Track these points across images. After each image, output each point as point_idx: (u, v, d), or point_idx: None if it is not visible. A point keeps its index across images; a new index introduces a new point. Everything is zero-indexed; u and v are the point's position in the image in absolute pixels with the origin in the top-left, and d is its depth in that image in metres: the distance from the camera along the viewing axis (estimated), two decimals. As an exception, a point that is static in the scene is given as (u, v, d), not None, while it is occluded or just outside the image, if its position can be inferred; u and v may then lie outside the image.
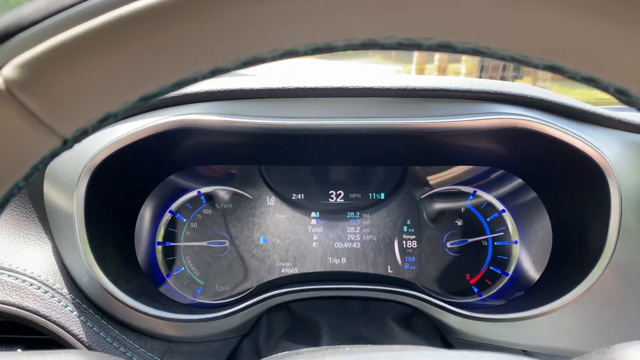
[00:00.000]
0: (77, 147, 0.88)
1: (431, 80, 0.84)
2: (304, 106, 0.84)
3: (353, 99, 0.85)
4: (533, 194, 1.04)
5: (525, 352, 0.89)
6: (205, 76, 0.28)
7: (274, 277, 1.08)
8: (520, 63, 0.28)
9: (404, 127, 0.82)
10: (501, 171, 1.07)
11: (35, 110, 0.27)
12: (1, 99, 0.26)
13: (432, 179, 1.12)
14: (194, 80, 0.28)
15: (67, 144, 0.30)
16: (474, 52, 0.27)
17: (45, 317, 0.81)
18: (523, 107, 0.85)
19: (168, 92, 0.29)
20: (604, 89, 0.28)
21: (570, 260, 0.94)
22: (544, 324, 0.89)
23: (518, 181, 1.06)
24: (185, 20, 0.25)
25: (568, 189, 0.93)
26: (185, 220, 1.11)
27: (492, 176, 1.09)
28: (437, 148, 0.98)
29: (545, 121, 0.82)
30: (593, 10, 0.24)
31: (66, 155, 0.86)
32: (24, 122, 0.27)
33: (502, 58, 0.28)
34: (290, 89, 0.83)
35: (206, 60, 0.27)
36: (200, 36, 0.26)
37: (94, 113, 0.28)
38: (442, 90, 0.83)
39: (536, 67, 0.28)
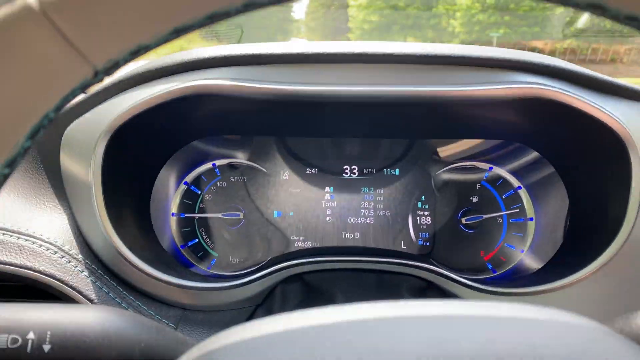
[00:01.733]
0: (94, 113, 0.87)
1: (451, 47, 0.83)
2: (321, 72, 0.83)
3: (370, 65, 0.84)
4: (551, 169, 1.03)
5: None
6: (239, 10, 0.27)
7: (287, 251, 1.08)
8: (560, 3, 0.27)
9: (422, 94, 0.81)
10: (518, 145, 1.06)
11: (69, 35, 0.26)
12: (35, 20, 0.26)
13: (448, 155, 1.11)
14: (227, 14, 0.27)
15: (97, 75, 0.29)
16: None
17: (62, 281, 0.82)
18: (544, 77, 0.83)
19: (200, 25, 0.28)
20: None
21: (587, 236, 0.93)
22: (558, 298, 0.88)
23: (535, 155, 1.05)
24: None
25: (587, 163, 0.92)
26: (200, 192, 1.11)
27: (509, 150, 1.08)
28: (454, 119, 0.97)
29: (567, 91, 0.80)
30: None
31: (82, 122, 0.86)
32: (57, 46, 0.27)
33: None
34: (308, 54, 0.82)
35: None
36: None
37: (126, 43, 0.28)
38: (462, 57, 0.81)
39: (576, 6, 0.27)
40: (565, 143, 0.95)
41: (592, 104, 0.80)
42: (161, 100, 0.80)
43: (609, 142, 0.82)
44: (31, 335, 0.42)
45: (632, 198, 0.81)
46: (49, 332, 0.43)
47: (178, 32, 0.28)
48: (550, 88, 0.80)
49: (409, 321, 0.34)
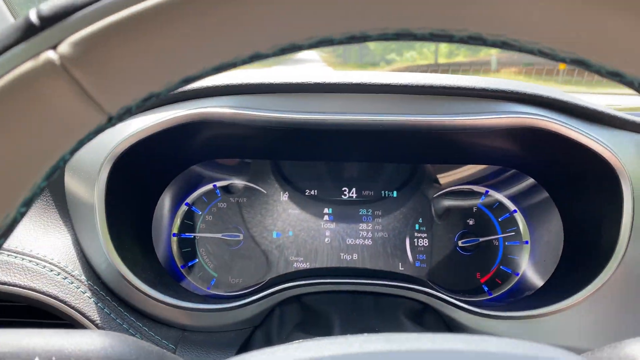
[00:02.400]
0: (99, 139, 0.90)
1: (448, 78, 0.85)
2: (320, 101, 0.86)
3: (368, 95, 0.86)
4: (545, 195, 1.05)
5: None
6: (245, 61, 0.30)
7: (286, 271, 1.10)
8: (546, 57, 0.29)
9: (419, 124, 0.84)
10: (513, 171, 1.08)
11: (86, 87, 0.29)
12: (56, 74, 0.28)
13: (445, 178, 1.13)
14: (234, 65, 0.30)
15: (111, 120, 0.31)
16: (503, 44, 0.28)
17: (64, 302, 0.83)
18: (539, 107, 0.86)
19: (209, 75, 0.30)
20: (628, 83, 0.29)
21: (581, 261, 0.95)
22: (554, 322, 0.89)
23: (530, 181, 1.07)
24: (228, 5, 0.27)
25: (581, 190, 0.94)
26: (200, 212, 1.12)
27: (504, 176, 1.10)
28: (451, 146, 0.99)
29: (561, 121, 0.83)
30: (623, 4, 0.25)
31: (87, 147, 0.88)
32: (75, 97, 0.29)
33: (530, 51, 0.29)
34: (306, 84, 0.85)
35: (246, 45, 0.29)
36: (241, 22, 0.28)
37: (138, 92, 0.30)
38: (458, 88, 0.84)
39: (562, 60, 0.29)
40: (559, 170, 0.97)
41: (584, 133, 0.82)
42: (164, 127, 0.83)
43: (601, 170, 0.84)
44: None
45: (624, 225, 0.83)
46: (53, 359, 0.45)
47: (187, 81, 0.31)
48: (543, 118, 0.82)
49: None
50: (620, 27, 0.26)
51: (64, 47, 0.27)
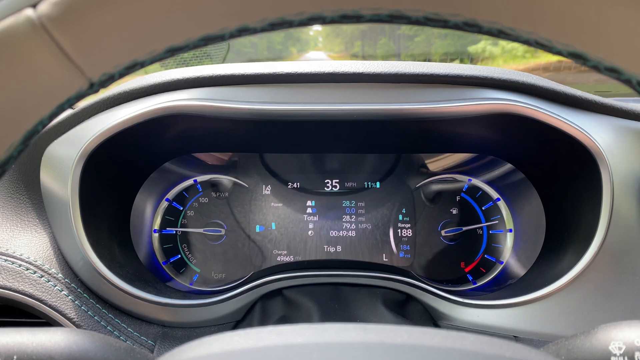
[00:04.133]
0: (73, 133, 0.89)
1: (422, 66, 0.84)
2: (295, 92, 0.84)
3: (344, 84, 0.85)
4: (526, 182, 1.04)
5: (515, 338, 0.89)
6: (233, 34, 0.29)
7: (269, 265, 1.09)
8: (543, 48, 0.28)
9: (395, 112, 0.83)
10: (491, 158, 1.07)
11: (66, 48, 0.28)
12: (35, 33, 0.27)
13: (427, 168, 1.12)
14: (221, 37, 0.29)
15: (93, 87, 0.30)
16: (499, 33, 0.27)
17: (41, 301, 0.82)
18: (513, 93, 0.85)
19: (195, 47, 0.29)
20: (626, 81, 0.28)
21: (562, 247, 0.94)
22: (535, 309, 0.89)
23: (509, 167, 1.06)
24: None
25: (560, 176, 0.93)
26: (182, 208, 1.12)
27: (484, 162, 1.09)
28: (429, 135, 0.98)
29: (536, 106, 0.82)
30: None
31: (61, 141, 0.88)
32: (54, 58, 0.28)
33: (526, 42, 0.28)
34: (281, 74, 0.83)
35: (234, 17, 0.28)
36: None
37: (121, 58, 0.29)
38: (432, 75, 0.83)
39: (559, 53, 0.28)
40: (537, 156, 0.97)
41: (561, 118, 0.81)
42: (135, 121, 0.82)
43: (580, 156, 0.83)
44: None
45: (604, 211, 0.82)
46: (15, 357, 0.44)
47: (172, 52, 0.30)
48: (519, 104, 0.81)
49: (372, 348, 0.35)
50: (620, 20, 0.25)
51: (44, 6, 0.27)
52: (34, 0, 0.27)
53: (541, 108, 0.82)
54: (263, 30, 0.28)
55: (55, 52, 0.28)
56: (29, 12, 0.27)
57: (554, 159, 0.92)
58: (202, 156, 1.11)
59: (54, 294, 0.84)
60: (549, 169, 0.96)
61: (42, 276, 0.84)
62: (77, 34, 0.27)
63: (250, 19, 0.28)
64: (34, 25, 0.27)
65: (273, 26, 0.28)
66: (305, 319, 0.90)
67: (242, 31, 0.28)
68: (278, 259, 1.10)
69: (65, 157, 0.86)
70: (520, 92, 0.85)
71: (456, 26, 0.27)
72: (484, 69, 0.85)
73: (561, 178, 0.93)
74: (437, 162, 1.12)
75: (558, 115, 0.81)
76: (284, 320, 0.91)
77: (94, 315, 0.86)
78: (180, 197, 1.12)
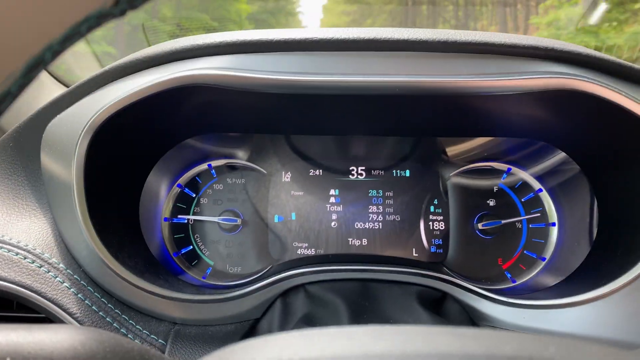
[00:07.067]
0: (77, 107, 0.80)
1: (472, 34, 0.75)
2: (329, 60, 0.75)
3: (382, 52, 0.76)
4: (577, 170, 0.95)
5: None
6: None
7: (290, 259, 1.01)
8: None
9: (440, 86, 0.73)
10: (542, 144, 0.98)
11: None
12: None
13: (462, 155, 1.03)
14: None
15: (119, 4, 0.23)
16: None
17: (40, 294, 0.75)
18: (576, 67, 0.75)
19: None
20: None
21: (617, 245, 0.85)
22: (585, 312, 0.80)
23: (560, 155, 0.97)
24: None
25: (619, 164, 0.84)
26: (194, 195, 1.03)
27: (532, 150, 1.00)
28: (473, 114, 0.88)
29: (601, 82, 0.72)
30: None
31: (64, 116, 0.79)
32: None
33: None
34: (313, 40, 0.74)
35: None
36: None
37: None
38: (484, 44, 0.73)
39: None
40: (597, 141, 0.87)
41: (631, 97, 0.72)
42: (148, 93, 0.73)
43: None
44: None
45: None
46: (8, 359, 0.37)
47: None
48: (582, 78, 0.72)
49: None
50: None
51: None
52: None
53: (607, 84, 0.72)
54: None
55: None
56: None
57: (617, 144, 0.83)
58: (218, 140, 1.02)
59: (55, 286, 0.76)
60: (608, 156, 0.87)
61: (41, 266, 0.76)
62: None
63: None
64: None
65: None
66: (333, 317, 0.81)
67: None
68: (298, 251, 1.01)
69: (69, 133, 0.77)
70: (584, 66, 0.75)
71: None
72: (543, 40, 0.76)
73: (620, 166, 0.84)
74: (474, 149, 1.03)
75: (625, 92, 0.72)
76: (309, 318, 0.83)
77: (99, 311, 0.77)
78: (193, 183, 1.03)
